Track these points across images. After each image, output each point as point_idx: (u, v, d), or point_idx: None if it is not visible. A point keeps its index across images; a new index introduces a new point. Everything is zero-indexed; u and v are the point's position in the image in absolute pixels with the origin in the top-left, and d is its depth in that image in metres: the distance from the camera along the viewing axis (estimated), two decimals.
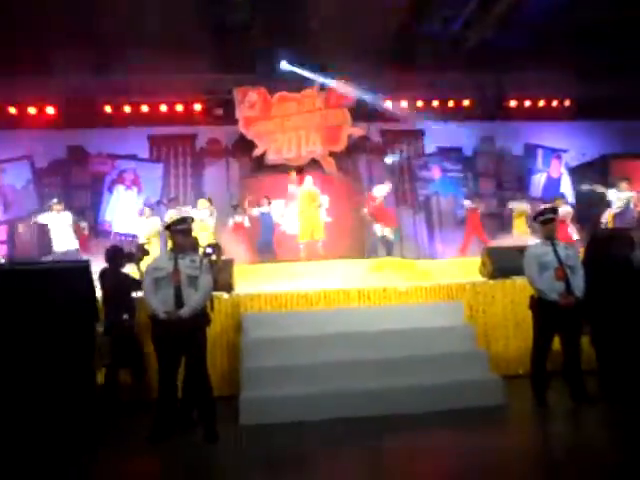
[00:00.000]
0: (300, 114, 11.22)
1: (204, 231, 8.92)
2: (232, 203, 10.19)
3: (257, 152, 11.09)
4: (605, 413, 4.62)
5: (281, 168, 11.05)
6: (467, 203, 10.75)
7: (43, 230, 9.09)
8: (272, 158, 11.09)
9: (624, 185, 9.40)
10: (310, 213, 9.62)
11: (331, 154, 11.16)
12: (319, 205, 9.71)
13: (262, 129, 11.15)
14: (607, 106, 11.17)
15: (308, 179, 9.85)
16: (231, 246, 8.95)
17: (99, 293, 5.20)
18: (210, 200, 9.69)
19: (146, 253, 5.65)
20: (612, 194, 9.47)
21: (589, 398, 4.75)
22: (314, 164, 11.14)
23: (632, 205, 9.30)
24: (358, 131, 11.37)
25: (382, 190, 10.10)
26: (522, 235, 9.53)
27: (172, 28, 9.03)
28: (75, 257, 7.97)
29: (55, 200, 8.77)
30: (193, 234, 4.72)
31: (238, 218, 9.75)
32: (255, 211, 9.72)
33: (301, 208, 9.70)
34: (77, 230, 8.83)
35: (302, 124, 11.22)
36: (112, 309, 5.24)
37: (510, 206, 10.44)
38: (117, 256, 5.49)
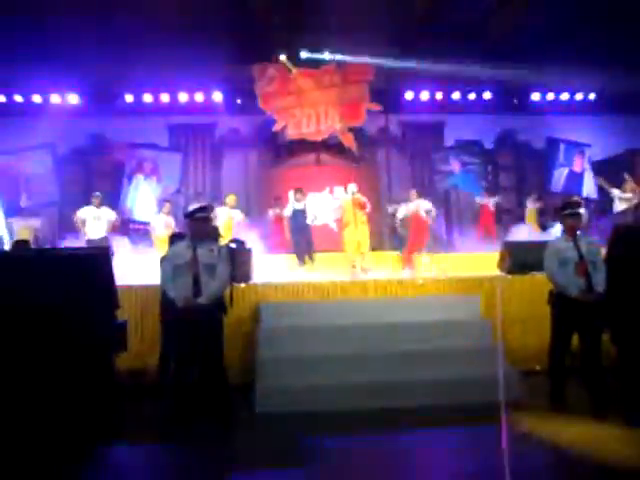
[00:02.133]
0: (319, 90, 11.20)
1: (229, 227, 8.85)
2: (274, 196, 10.11)
3: (276, 127, 11.15)
4: (624, 413, 4.54)
5: (301, 161, 11.05)
6: (478, 199, 10.72)
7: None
8: (291, 133, 11.14)
9: (629, 186, 9.13)
10: (356, 224, 8.62)
11: (350, 130, 11.14)
12: (367, 212, 8.77)
13: (281, 104, 11.15)
14: (633, 100, 10.95)
15: (351, 186, 8.81)
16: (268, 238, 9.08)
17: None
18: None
19: None
20: (616, 193, 9.23)
21: (609, 397, 4.67)
22: (334, 155, 11.17)
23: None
24: (375, 106, 11.24)
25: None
26: None
27: (192, 17, 9.07)
28: (104, 244, 8.03)
29: (97, 193, 8.91)
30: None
31: (277, 210, 9.67)
32: (287, 211, 9.10)
33: (346, 219, 8.71)
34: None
35: (321, 100, 11.21)
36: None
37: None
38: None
